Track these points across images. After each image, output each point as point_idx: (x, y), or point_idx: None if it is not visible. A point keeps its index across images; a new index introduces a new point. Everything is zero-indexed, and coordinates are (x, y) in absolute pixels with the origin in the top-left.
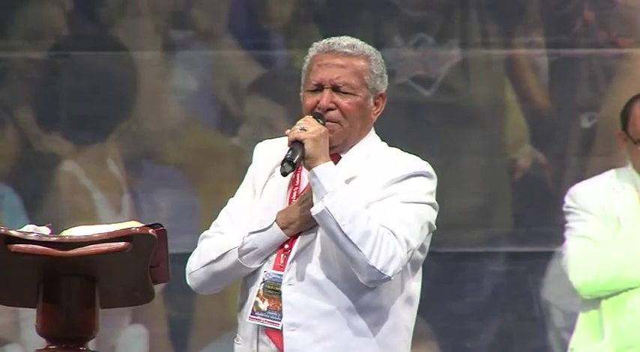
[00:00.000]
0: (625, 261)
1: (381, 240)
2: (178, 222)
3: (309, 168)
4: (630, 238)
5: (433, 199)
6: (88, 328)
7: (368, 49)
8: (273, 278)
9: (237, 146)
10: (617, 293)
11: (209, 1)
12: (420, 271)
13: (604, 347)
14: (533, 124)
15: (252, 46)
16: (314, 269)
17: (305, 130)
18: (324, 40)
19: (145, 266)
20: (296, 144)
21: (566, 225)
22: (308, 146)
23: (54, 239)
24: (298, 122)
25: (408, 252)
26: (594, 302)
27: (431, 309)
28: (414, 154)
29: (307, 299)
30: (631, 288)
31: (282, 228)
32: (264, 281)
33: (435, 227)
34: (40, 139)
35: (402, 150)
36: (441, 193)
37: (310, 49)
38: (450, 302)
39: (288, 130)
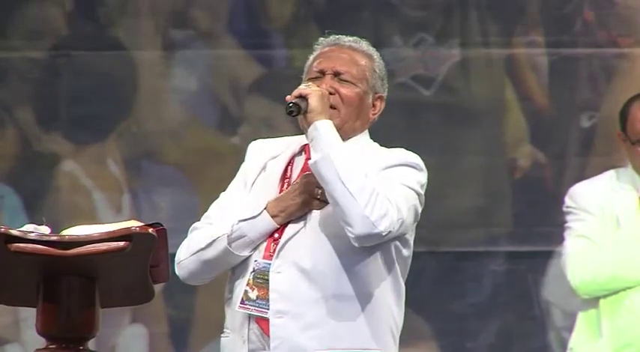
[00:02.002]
0: (623, 261)
1: (376, 195)
2: (178, 222)
3: (310, 122)
4: (629, 238)
5: (422, 191)
6: (88, 328)
7: (373, 49)
8: (263, 266)
9: (237, 146)
10: (615, 292)
11: (209, 1)
12: (406, 272)
13: (602, 347)
14: (533, 124)
15: (252, 46)
16: (302, 256)
17: (309, 87)
18: (331, 36)
19: (145, 266)
20: (300, 98)
21: (566, 224)
22: (312, 100)
23: (54, 238)
24: (301, 85)
25: (398, 220)
26: (593, 301)
27: (431, 309)
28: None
29: (295, 287)
30: (629, 288)
31: (272, 216)
32: (254, 271)
33: (419, 217)
34: (40, 139)
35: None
36: (440, 193)
37: (315, 45)
38: (450, 302)
39: (289, 97)
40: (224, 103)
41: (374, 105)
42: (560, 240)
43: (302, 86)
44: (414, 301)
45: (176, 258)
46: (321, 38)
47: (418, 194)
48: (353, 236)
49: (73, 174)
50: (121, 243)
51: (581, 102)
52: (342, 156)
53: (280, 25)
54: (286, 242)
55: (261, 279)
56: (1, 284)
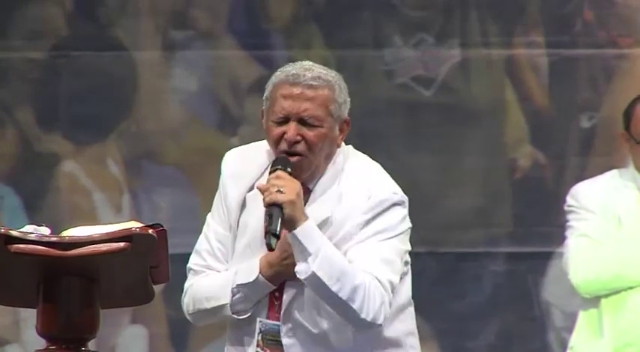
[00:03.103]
0: (625, 260)
1: (368, 291)
2: (178, 222)
3: (289, 231)
4: (631, 237)
5: (407, 224)
6: (88, 328)
7: (331, 77)
8: (271, 328)
9: (237, 146)
10: (617, 291)
11: (209, 1)
12: (409, 280)
13: (603, 346)
14: (533, 124)
15: (252, 46)
16: (309, 318)
17: (282, 193)
18: (288, 69)
19: (145, 267)
20: (274, 207)
21: (567, 223)
22: (287, 210)
23: (54, 239)
24: (271, 181)
25: (392, 291)
26: (594, 301)
27: (431, 309)
28: (413, 154)
29: (308, 349)
30: (631, 287)
31: (268, 280)
32: (261, 332)
33: (411, 248)
34: (40, 139)
35: (402, 149)
36: (441, 193)
37: (274, 75)
38: (450, 302)
39: (262, 185)
40: (224, 103)
41: (341, 130)
42: (561, 240)
43: (273, 188)
44: (414, 301)
45: (184, 305)
46: (278, 71)
47: (405, 231)
48: (353, 329)
49: (73, 174)
50: (122, 244)
51: (581, 102)
52: (328, 265)
53: (280, 25)
54: (290, 304)
55: (272, 341)
56: (1, 285)
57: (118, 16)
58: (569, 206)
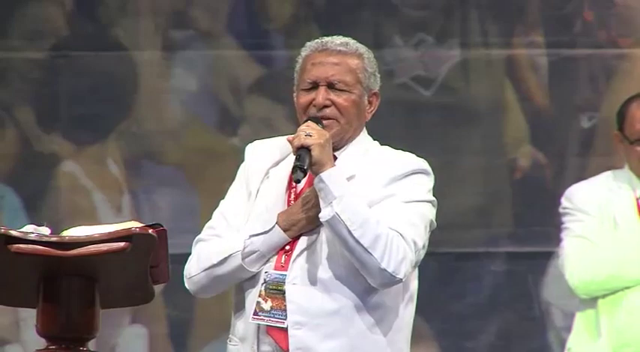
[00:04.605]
0: (621, 260)
1: (391, 243)
2: (178, 222)
3: (315, 174)
4: (626, 238)
5: (432, 196)
6: (88, 328)
7: (361, 47)
8: (275, 278)
9: (237, 146)
10: (613, 292)
11: (209, 1)
12: (416, 269)
13: (601, 347)
14: (533, 124)
15: (252, 46)
16: (318, 268)
17: (310, 136)
18: (317, 40)
19: (145, 267)
20: (302, 150)
21: (563, 225)
22: (315, 152)
23: (54, 239)
24: (301, 128)
25: (415, 253)
26: (591, 301)
27: (431, 309)
28: (413, 154)
29: (312, 298)
30: (627, 287)
31: (284, 230)
32: (265, 282)
33: (435, 224)
34: (40, 139)
35: (401, 150)
36: (440, 193)
37: (303, 49)
38: (450, 302)
39: (291, 136)
40: (224, 103)
41: (370, 103)
42: (560, 240)
43: (302, 133)
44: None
45: (186, 273)
46: (308, 42)
47: (431, 202)
48: (374, 285)
49: (73, 174)
50: (122, 244)
51: (581, 102)
52: (351, 210)
53: (280, 25)
54: (300, 254)
55: (275, 290)
56: (1, 285)
57: (118, 16)
58: (564, 208)
